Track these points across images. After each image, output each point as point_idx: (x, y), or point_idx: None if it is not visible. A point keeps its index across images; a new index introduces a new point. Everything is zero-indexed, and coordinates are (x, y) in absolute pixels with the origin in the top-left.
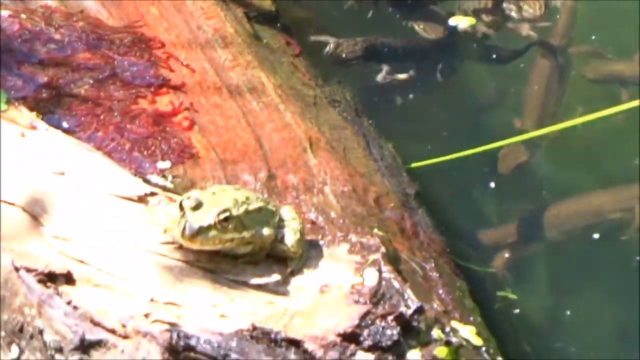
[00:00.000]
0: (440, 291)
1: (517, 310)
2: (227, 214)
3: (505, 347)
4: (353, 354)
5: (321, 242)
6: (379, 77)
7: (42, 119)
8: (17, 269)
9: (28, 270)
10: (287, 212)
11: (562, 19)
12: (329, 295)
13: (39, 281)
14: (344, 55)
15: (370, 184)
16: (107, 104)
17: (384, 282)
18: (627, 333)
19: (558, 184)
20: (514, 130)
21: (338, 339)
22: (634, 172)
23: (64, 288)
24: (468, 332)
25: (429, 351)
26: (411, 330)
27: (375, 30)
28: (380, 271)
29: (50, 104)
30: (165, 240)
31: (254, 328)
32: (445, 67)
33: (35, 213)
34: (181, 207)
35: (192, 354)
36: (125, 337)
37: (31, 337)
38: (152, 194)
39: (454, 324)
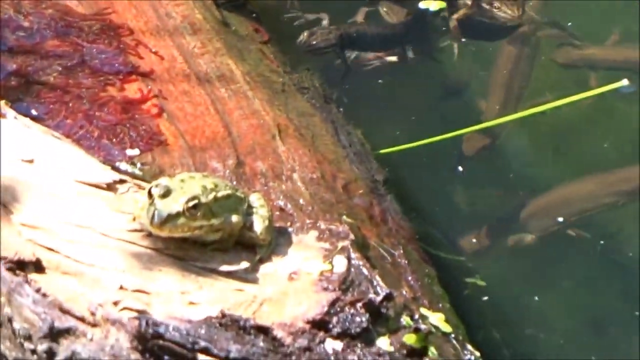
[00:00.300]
0: (409, 278)
1: (485, 297)
2: (195, 201)
3: (474, 334)
4: (322, 341)
5: (290, 230)
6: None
7: (10, 106)
8: None
9: None
10: (255, 200)
11: (533, 4)
12: (297, 282)
13: (8, 269)
14: (317, 44)
15: (338, 170)
16: (76, 92)
17: (352, 269)
18: (597, 320)
19: (526, 168)
20: (483, 114)
21: (307, 326)
22: (601, 156)
23: (33, 276)
24: (437, 319)
25: (398, 338)
26: (380, 317)
27: (342, 15)
28: (349, 258)
29: (19, 92)
30: (134, 227)
31: (223, 315)
32: (416, 52)
33: (4, 201)
34: (150, 195)
35: (161, 342)
36: (94, 324)
37: (0, 325)
38: (121, 181)
39: (423, 310)
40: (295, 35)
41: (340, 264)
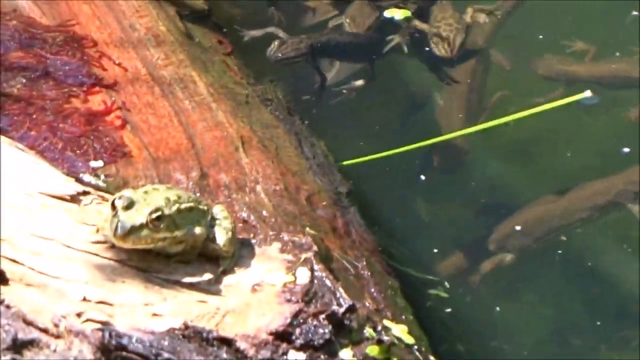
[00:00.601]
0: (372, 289)
1: (449, 309)
2: (159, 213)
3: (437, 345)
4: (285, 353)
5: (253, 241)
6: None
7: None
8: None
9: None
10: (219, 211)
11: (487, 25)
12: (261, 294)
13: None
14: (287, 54)
15: (302, 182)
16: (40, 103)
17: (316, 281)
18: (560, 331)
19: (489, 180)
20: (446, 126)
21: (270, 338)
22: (564, 167)
23: None
24: (400, 331)
25: (361, 350)
26: (343, 329)
27: (307, 26)
28: (312, 270)
29: None
30: (97, 239)
31: (186, 327)
32: (381, 62)
33: None
34: (113, 206)
35: (124, 353)
36: (58, 336)
37: None
38: (85, 193)
39: (386, 322)
40: (259, 47)
41: (303, 275)
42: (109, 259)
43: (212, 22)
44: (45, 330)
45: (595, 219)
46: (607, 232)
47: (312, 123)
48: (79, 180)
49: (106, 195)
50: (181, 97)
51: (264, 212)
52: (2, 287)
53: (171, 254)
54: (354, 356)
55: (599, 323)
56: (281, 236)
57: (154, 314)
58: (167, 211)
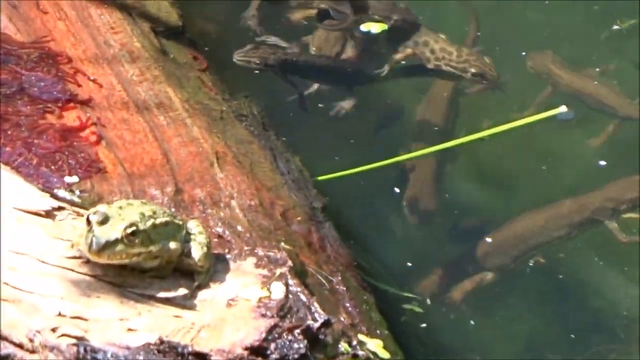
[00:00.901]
0: (347, 304)
1: (424, 325)
2: (134, 228)
3: None
4: None
5: (228, 256)
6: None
7: None
8: None
9: None
10: (194, 226)
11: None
12: (236, 308)
13: None
14: (251, 58)
15: (277, 197)
16: (15, 119)
17: (291, 296)
18: (534, 344)
19: (465, 194)
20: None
21: (245, 353)
22: (541, 182)
23: None
24: (375, 346)
25: None
26: (318, 344)
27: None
28: (287, 285)
29: None
30: (72, 254)
31: (161, 342)
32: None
33: None
34: (88, 222)
35: None
36: (33, 351)
37: None
38: (60, 208)
39: (361, 337)
40: (234, 63)
41: (278, 290)
42: (84, 274)
43: (187, 38)
44: (20, 345)
45: (573, 236)
46: (583, 246)
47: (288, 137)
48: (54, 196)
49: (81, 211)
50: (156, 113)
51: (239, 227)
52: None
53: (146, 269)
54: None
55: (573, 336)
56: (256, 251)
57: (129, 329)
58: (142, 226)
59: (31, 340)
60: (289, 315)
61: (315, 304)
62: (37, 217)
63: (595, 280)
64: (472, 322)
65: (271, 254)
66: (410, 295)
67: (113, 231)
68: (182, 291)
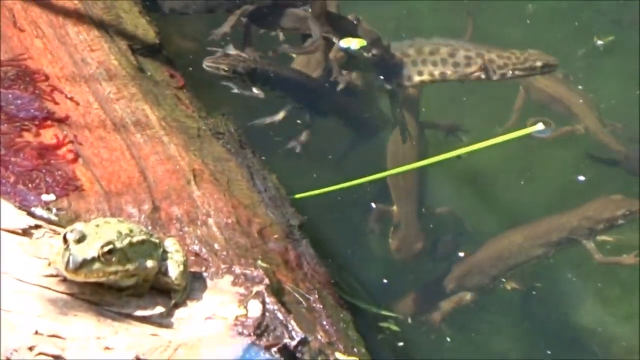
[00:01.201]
0: (324, 322)
1: (401, 343)
2: (110, 246)
3: None
4: None
5: (205, 274)
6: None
7: None
8: None
9: None
10: (170, 245)
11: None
12: (212, 327)
13: None
14: (219, 65)
15: (254, 215)
16: None
17: (267, 314)
18: None
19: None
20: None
21: None
22: (518, 200)
23: None
24: None
25: None
26: None
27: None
28: (264, 303)
29: None
30: (49, 272)
31: None
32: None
33: None
34: (65, 240)
35: None
36: None
37: None
38: (37, 226)
39: (338, 355)
40: (210, 81)
41: (255, 308)
42: (61, 292)
43: (164, 56)
44: None
45: (551, 255)
46: (559, 265)
47: (265, 153)
48: (31, 214)
49: (58, 229)
50: (133, 131)
51: (216, 245)
52: None
53: (123, 287)
54: None
55: (549, 352)
56: (233, 269)
57: (106, 348)
58: (118, 244)
59: (8, 359)
60: (265, 334)
61: (292, 322)
62: (14, 236)
63: (571, 299)
64: (448, 339)
65: (248, 272)
66: (388, 313)
67: (90, 249)
68: (159, 309)
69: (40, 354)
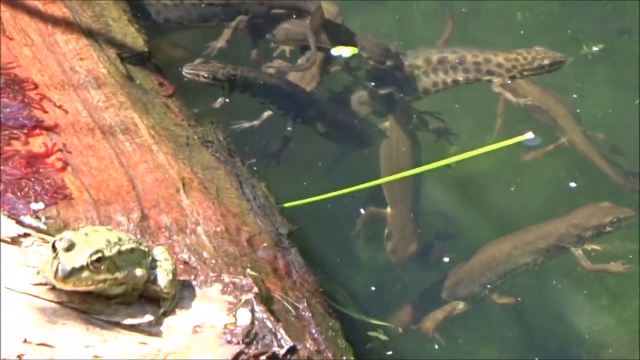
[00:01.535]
0: (313, 330)
1: (390, 352)
2: (99, 254)
3: None
4: None
5: (194, 283)
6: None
7: None
8: None
9: None
10: (159, 253)
11: None
12: (201, 335)
13: None
14: (199, 71)
15: (243, 224)
16: None
17: (256, 322)
18: None
19: (433, 217)
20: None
21: None
22: (508, 209)
23: None
24: None
25: None
26: None
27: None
28: (252, 311)
29: None
30: (38, 281)
31: None
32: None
33: None
34: (54, 248)
35: None
36: None
37: None
38: (26, 235)
39: None
40: (200, 89)
41: (244, 317)
42: (50, 300)
43: (153, 64)
44: None
45: (540, 263)
46: (548, 272)
47: (254, 163)
48: (20, 222)
49: (47, 237)
50: (122, 139)
51: (205, 254)
52: None
53: (112, 295)
54: None
55: (537, 359)
56: (222, 277)
57: (95, 356)
58: (107, 253)
59: None
60: (254, 342)
61: (281, 331)
62: (3, 244)
63: (559, 307)
64: (436, 347)
65: (237, 280)
66: (376, 321)
67: (78, 258)
68: (148, 318)
69: None
